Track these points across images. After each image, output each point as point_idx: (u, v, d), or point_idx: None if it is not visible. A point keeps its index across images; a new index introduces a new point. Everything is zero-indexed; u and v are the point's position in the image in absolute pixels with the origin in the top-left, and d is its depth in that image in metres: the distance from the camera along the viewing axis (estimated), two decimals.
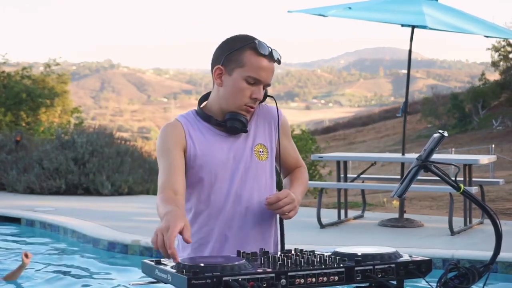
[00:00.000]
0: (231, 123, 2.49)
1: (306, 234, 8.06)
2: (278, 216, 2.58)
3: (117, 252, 7.90)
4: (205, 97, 2.62)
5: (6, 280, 6.92)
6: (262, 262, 2.15)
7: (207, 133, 2.52)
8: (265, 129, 2.60)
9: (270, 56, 2.46)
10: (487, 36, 9.11)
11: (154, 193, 13.61)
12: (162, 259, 2.18)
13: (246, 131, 2.53)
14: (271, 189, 2.61)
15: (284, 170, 2.72)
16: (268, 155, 2.58)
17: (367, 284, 2.19)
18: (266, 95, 2.59)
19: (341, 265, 2.13)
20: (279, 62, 2.52)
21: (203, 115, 2.55)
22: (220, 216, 2.51)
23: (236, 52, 2.46)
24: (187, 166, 2.50)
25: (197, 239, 2.52)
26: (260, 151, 2.56)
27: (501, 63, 32.79)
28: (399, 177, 9.02)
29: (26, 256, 6.72)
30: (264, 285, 2.00)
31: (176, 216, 2.16)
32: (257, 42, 2.46)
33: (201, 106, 2.59)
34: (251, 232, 2.54)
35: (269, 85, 2.51)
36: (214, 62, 2.52)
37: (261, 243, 2.55)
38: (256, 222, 2.55)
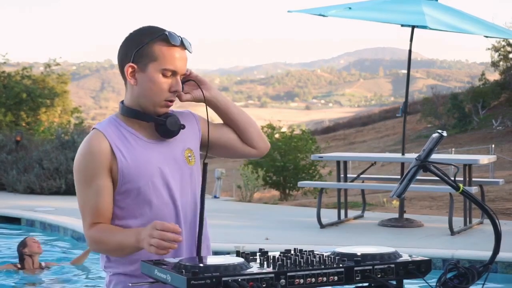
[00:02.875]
0: (172, 127, 2.38)
1: (306, 234, 8.06)
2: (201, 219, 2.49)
3: None
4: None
5: (73, 264, 7.29)
6: (262, 262, 2.15)
7: (134, 141, 2.39)
8: (189, 132, 2.49)
9: (182, 45, 2.37)
10: (487, 36, 9.12)
11: None
12: (161, 259, 2.18)
13: (183, 127, 2.42)
14: (198, 194, 2.49)
15: (239, 144, 2.56)
16: (195, 159, 2.49)
17: (367, 284, 2.19)
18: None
19: (341, 265, 2.13)
20: (190, 50, 2.41)
21: (135, 113, 2.38)
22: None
23: (146, 46, 2.35)
24: (119, 181, 2.35)
25: (137, 255, 2.36)
26: (189, 156, 2.46)
27: (501, 63, 32.75)
28: (399, 177, 9.01)
29: None
30: (264, 285, 2.00)
31: (145, 228, 2.22)
32: (167, 33, 2.35)
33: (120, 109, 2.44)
34: (190, 239, 2.45)
35: (184, 74, 2.42)
36: (123, 60, 2.38)
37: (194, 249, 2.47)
38: (193, 228, 2.46)
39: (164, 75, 2.35)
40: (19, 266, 7.02)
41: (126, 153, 2.35)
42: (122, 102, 2.43)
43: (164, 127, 2.39)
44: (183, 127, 2.42)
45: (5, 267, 7.10)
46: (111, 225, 2.37)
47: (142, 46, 2.33)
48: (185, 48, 2.39)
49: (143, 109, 2.38)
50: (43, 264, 7.11)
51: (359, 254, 2.19)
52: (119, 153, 2.34)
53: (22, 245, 7.00)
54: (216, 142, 2.55)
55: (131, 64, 2.35)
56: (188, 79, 2.46)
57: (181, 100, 2.45)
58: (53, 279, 6.99)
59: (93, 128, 2.40)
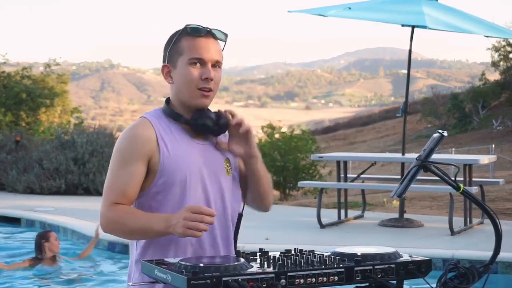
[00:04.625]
0: (201, 121, 2.40)
1: (306, 234, 8.06)
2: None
3: (117, 252, 7.91)
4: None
5: (82, 257, 7.60)
6: (262, 262, 2.15)
7: (178, 134, 2.42)
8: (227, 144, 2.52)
9: (209, 34, 2.41)
10: (487, 36, 9.12)
11: None
12: (162, 260, 2.18)
13: (216, 130, 2.43)
14: (231, 203, 2.52)
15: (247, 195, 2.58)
16: (232, 170, 2.51)
17: (367, 284, 2.19)
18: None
19: (341, 265, 2.13)
20: (221, 38, 2.44)
21: (171, 113, 2.43)
22: None
23: (174, 44, 2.43)
24: (158, 172, 2.37)
25: (164, 242, 2.38)
26: (227, 166, 2.49)
27: (501, 63, 32.73)
28: (399, 177, 9.01)
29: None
30: (264, 285, 2.00)
31: (177, 213, 2.25)
32: (188, 26, 2.42)
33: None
34: (219, 239, 2.47)
35: (218, 62, 2.42)
36: (162, 63, 2.49)
37: (226, 250, 2.50)
38: (224, 231, 2.49)
39: (193, 65, 2.39)
40: (34, 260, 7.20)
41: (170, 145, 2.39)
42: (167, 99, 2.49)
43: (194, 124, 2.40)
44: (215, 130, 2.42)
45: (22, 265, 7.27)
46: (133, 207, 2.38)
47: (171, 45, 2.43)
48: (213, 37, 2.42)
49: (184, 104, 2.42)
50: (57, 257, 7.33)
51: (359, 254, 2.19)
52: (163, 144, 2.38)
53: (45, 237, 7.20)
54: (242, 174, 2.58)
55: (165, 64, 2.45)
56: (243, 130, 2.45)
57: (229, 149, 2.48)
58: (68, 272, 7.19)
59: (141, 117, 2.44)
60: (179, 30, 2.44)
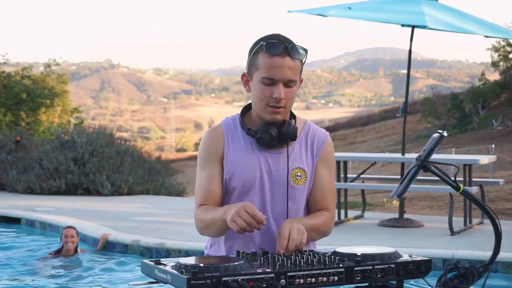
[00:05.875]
0: (260, 134, 2.47)
1: None
2: None
3: (117, 252, 7.92)
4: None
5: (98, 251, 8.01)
6: (262, 262, 2.15)
7: (246, 142, 2.51)
8: (307, 154, 2.54)
9: (284, 53, 2.42)
10: (487, 36, 9.12)
11: (154, 193, 13.60)
12: (161, 259, 2.18)
13: (273, 145, 2.47)
14: (298, 214, 2.54)
15: (309, 202, 2.57)
16: (306, 180, 2.52)
17: (367, 284, 2.19)
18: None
19: (341, 265, 2.13)
20: (297, 58, 2.44)
21: (241, 123, 2.55)
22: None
23: (252, 56, 2.48)
24: (224, 173, 2.50)
25: (229, 244, 2.53)
26: (297, 175, 2.51)
27: (501, 63, 32.70)
28: (399, 177, 9.01)
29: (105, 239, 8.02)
30: (264, 286, 2.00)
31: (236, 204, 2.31)
32: (265, 43, 2.43)
33: (246, 113, 2.58)
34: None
35: (292, 81, 2.44)
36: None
37: None
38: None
39: (265, 84, 2.44)
40: (55, 253, 7.64)
41: (234, 152, 2.49)
42: (247, 105, 2.57)
43: (254, 137, 2.48)
44: (272, 144, 2.47)
45: (48, 257, 7.68)
46: (212, 206, 2.48)
47: (250, 56, 2.49)
48: (288, 56, 2.42)
49: (258, 115, 2.50)
50: (78, 250, 7.73)
51: (359, 254, 2.19)
52: (228, 150, 2.49)
53: (62, 234, 7.73)
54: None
55: (245, 73, 2.54)
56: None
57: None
58: (84, 263, 7.51)
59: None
60: (259, 41, 2.46)
